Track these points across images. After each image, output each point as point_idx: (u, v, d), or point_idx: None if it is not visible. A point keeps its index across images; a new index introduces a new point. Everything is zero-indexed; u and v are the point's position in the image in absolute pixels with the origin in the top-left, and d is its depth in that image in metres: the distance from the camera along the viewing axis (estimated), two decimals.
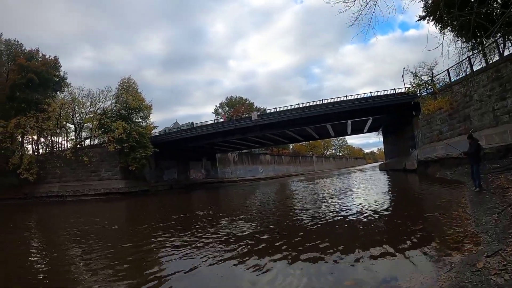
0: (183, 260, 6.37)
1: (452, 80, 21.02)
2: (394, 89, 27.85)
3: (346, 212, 10.42)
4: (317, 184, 27.39)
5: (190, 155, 41.35)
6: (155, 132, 36.48)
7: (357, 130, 43.10)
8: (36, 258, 7.82)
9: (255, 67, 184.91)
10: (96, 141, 33.34)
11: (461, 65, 19.36)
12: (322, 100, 29.56)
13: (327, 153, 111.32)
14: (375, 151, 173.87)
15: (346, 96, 28.79)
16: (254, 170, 59.20)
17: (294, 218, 10.33)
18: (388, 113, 29.64)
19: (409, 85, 26.43)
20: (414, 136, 27.68)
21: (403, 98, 26.43)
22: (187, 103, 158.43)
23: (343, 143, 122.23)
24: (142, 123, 33.98)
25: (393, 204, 12.31)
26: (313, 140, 61.47)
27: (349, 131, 41.75)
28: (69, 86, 34.09)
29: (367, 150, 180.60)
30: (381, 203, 11.89)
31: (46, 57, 32.57)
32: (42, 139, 32.56)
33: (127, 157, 29.98)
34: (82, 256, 7.47)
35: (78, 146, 32.05)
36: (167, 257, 6.75)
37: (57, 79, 33.37)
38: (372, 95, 28.22)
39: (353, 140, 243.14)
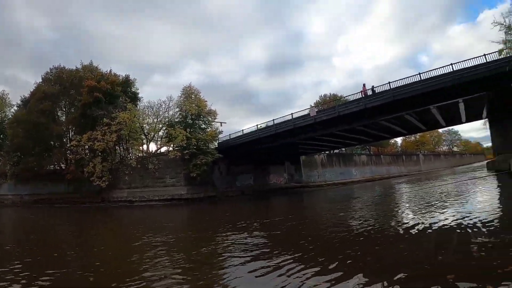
0: None
1: None
2: (484, 54, 19.59)
3: None
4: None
5: (270, 158, 38.67)
6: (224, 137, 35.83)
7: (452, 119, 32.88)
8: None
9: (360, 63, 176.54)
10: (164, 149, 34.66)
11: None
12: (389, 82, 23.03)
13: (440, 149, 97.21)
14: None
15: (420, 73, 21.59)
16: (347, 173, 53.81)
17: None
18: (479, 91, 21.08)
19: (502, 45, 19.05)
20: None
21: (497, 66, 18.73)
22: (296, 106, 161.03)
23: (456, 137, 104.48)
24: (207, 129, 33.81)
25: None
26: (396, 137, 53.55)
27: (441, 121, 31.72)
28: (140, 100, 37.01)
29: (487, 144, 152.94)
30: None
31: (119, 76, 36.18)
32: (117, 149, 35.45)
33: (189, 163, 30.22)
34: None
35: (145, 154, 33.80)
36: None
37: (131, 94, 36.17)
38: (454, 68, 20.26)
39: (471, 133, 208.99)
